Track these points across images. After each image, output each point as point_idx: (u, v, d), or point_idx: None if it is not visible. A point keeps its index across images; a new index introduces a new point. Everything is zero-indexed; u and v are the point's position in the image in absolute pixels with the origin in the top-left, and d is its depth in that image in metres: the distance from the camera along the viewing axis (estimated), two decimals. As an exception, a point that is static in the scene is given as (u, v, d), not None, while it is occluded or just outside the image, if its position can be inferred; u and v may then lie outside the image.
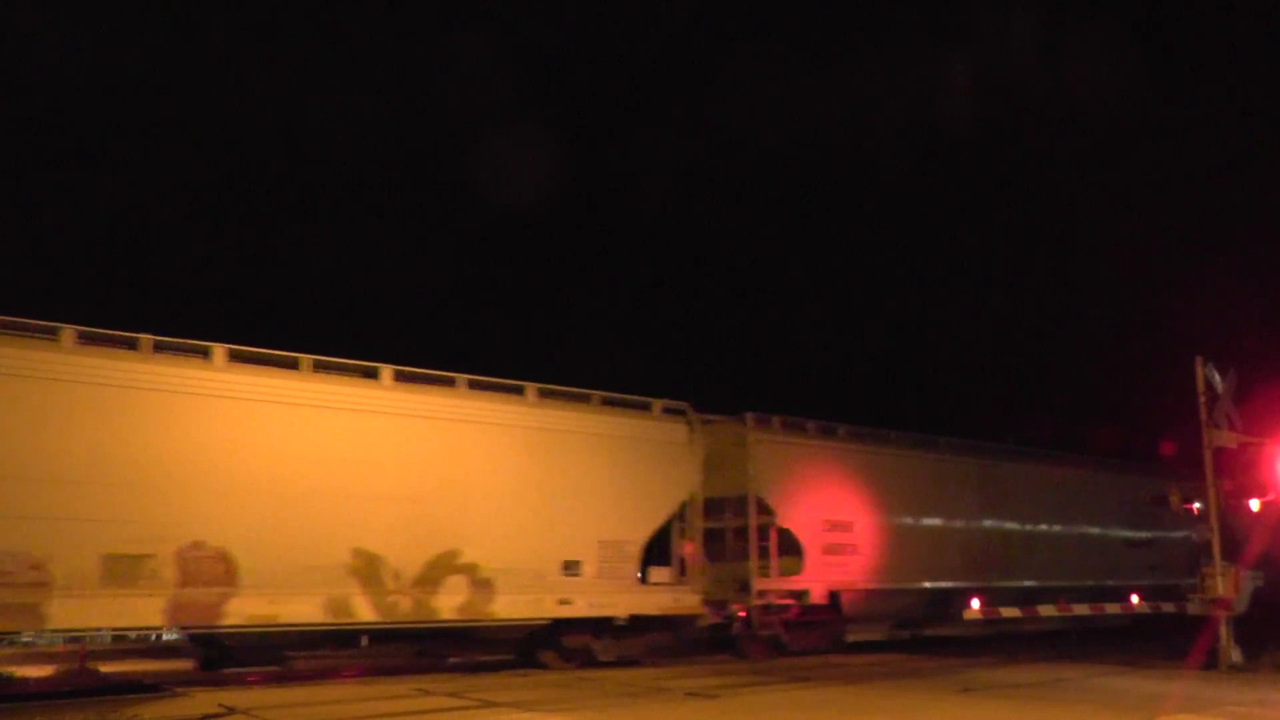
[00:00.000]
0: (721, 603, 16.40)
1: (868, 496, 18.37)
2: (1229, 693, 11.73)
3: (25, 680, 12.64)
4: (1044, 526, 21.61)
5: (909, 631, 19.88)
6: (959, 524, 19.88)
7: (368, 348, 13.77)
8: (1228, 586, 14.55)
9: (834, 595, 17.45)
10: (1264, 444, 15.30)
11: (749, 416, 17.17)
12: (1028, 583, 20.85)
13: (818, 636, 17.25)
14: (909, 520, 19.05)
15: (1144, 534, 23.63)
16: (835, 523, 17.64)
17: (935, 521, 19.53)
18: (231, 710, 10.27)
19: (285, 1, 40.95)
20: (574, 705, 10.75)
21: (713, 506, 16.68)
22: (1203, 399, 15.08)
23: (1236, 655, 14.33)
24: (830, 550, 17.45)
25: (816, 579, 17.15)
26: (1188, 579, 22.90)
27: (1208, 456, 15.09)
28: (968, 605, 18.88)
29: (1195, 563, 23.03)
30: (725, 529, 16.94)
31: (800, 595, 16.97)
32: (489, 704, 10.75)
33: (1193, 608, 15.03)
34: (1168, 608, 18.83)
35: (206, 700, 10.96)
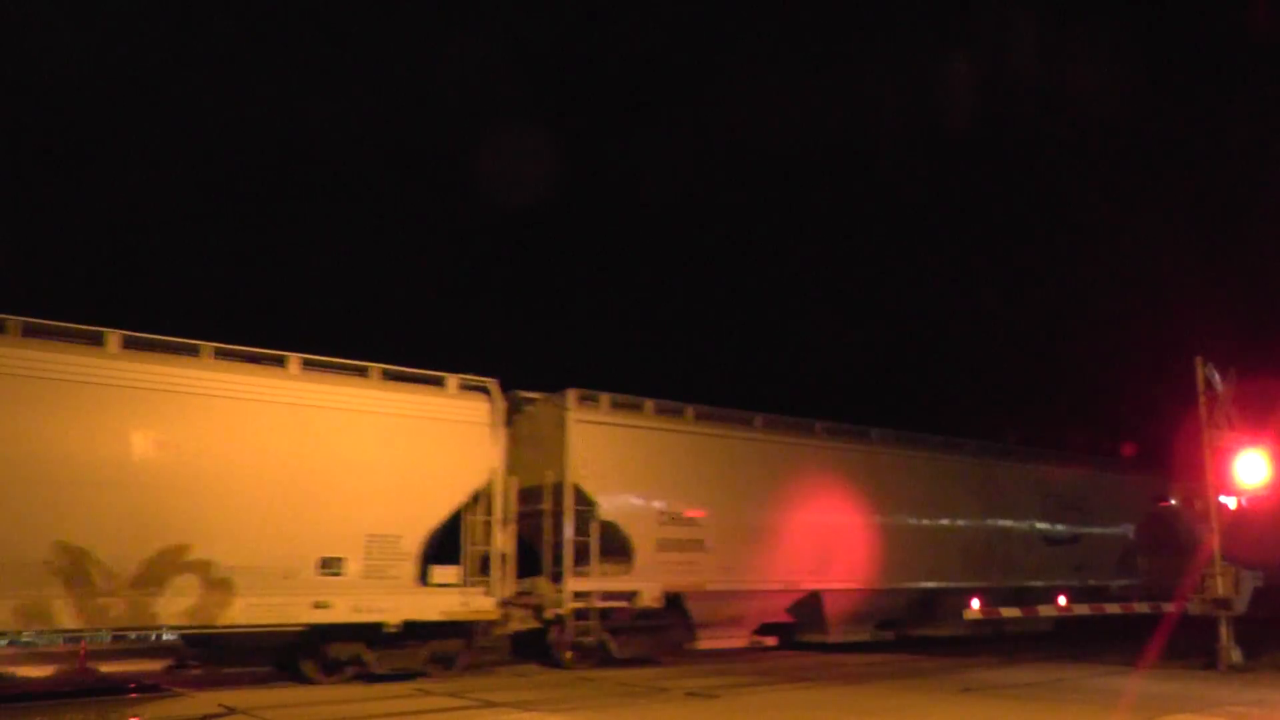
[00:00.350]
0: (537, 606, 14.60)
1: (721, 486, 16.31)
2: (1229, 693, 11.73)
3: (25, 680, 12.66)
4: (943, 521, 19.49)
5: (775, 637, 17.62)
6: (835, 518, 17.66)
7: (365, 347, 13.64)
8: (1226, 586, 14.57)
9: (675, 597, 15.56)
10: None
11: (571, 393, 15.14)
12: (922, 584, 18.91)
13: (653, 644, 15.44)
14: (774, 513, 16.87)
15: (1065, 530, 21.72)
16: (676, 516, 15.62)
17: (805, 515, 17.23)
18: (231, 710, 10.29)
19: (284, 1, 40.95)
20: (574, 705, 10.78)
21: (531, 496, 14.85)
22: (1203, 399, 15.10)
23: (1236, 655, 14.33)
24: (669, 547, 15.47)
25: (650, 578, 15.20)
26: (1119, 579, 22.22)
27: (1208, 456, 15.10)
28: (967, 605, 18.26)
29: (1129, 562, 22.55)
30: (543, 523, 14.93)
31: (630, 597, 15.07)
32: (489, 704, 10.77)
33: (1193, 608, 15.04)
34: (1168, 608, 18.59)
35: (206, 700, 10.98)
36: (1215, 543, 14.91)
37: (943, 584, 19.11)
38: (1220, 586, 14.60)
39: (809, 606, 17.45)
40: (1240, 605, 14.69)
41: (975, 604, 18.26)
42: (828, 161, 45.87)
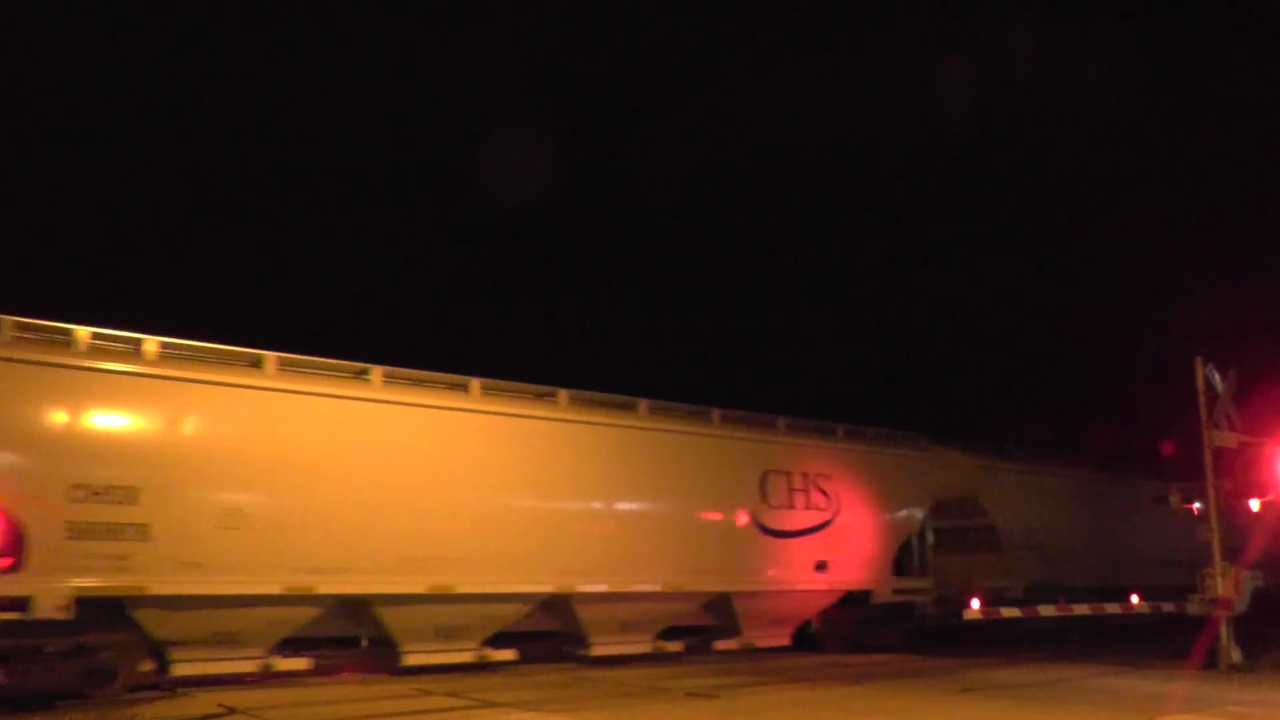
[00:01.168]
0: None
1: (187, 451, 11.73)
2: (1229, 693, 11.75)
3: (25, 680, 12.64)
4: (576, 504, 14.76)
5: (325, 656, 13.14)
6: (382, 496, 12.98)
7: (364, 346, 13.51)
8: (1227, 587, 14.57)
9: (113, 605, 11.27)
10: (1264, 444, 15.33)
11: None
12: (543, 588, 14.09)
13: (75, 672, 11.17)
14: (285, 489, 12.30)
15: (798, 515, 16.81)
16: (101, 490, 11.12)
17: (331, 491, 12.57)
18: (231, 710, 10.29)
19: (285, 1, 40.98)
20: (574, 705, 10.79)
21: None
22: (1203, 399, 15.11)
23: (1236, 655, 14.35)
24: (88, 533, 11.01)
25: (54, 579, 10.75)
26: (894, 581, 18.01)
27: (1208, 456, 15.10)
28: (966, 605, 17.66)
29: (912, 559, 18.38)
30: None
31: (21, 605, 10.67)
32: (489, 704, 10.78)
33: (1193, 608, 15.06)
34: (1167, 608, 18.48)
35: (206, 700, 10.99)
36: (1215, 543, 14.93)
37: (575, 587, 14.40)
38: (1220, 586, 14.62)
39: (363, 616, 13.05)
40: (1240, 605, 14.71)
41: (975, 604, 17.82)
42: (827, 161, 45.95)
